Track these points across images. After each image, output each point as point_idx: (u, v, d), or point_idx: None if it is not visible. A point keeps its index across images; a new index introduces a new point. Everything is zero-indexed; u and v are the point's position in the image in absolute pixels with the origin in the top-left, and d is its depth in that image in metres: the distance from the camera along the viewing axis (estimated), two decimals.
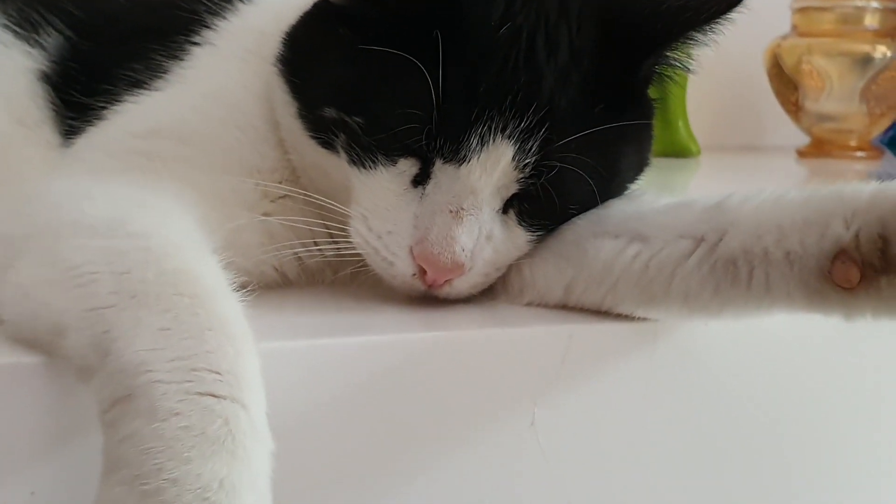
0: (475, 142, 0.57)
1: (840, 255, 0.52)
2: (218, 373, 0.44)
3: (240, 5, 0.73)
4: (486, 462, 0.56)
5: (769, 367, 0.60)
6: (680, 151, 1.67)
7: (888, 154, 1.80)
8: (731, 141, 1.95)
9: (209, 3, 0.73)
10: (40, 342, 0.49)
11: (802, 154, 1.81)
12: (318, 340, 0.55)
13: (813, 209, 0.53)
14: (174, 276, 0.48)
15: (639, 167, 0.66)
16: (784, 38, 1.77)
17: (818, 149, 1.80)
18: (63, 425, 0.49)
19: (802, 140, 1.84)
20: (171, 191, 0.58)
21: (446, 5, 0.59)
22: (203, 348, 0.45)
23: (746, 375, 0.60)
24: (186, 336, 0.45)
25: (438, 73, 0.56)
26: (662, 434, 0.58)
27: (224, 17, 0.72)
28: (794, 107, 1.78)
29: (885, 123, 1.72)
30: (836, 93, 1.72)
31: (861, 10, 1.71)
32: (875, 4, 1.70)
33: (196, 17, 0.71)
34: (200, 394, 0.44)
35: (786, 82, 1.77)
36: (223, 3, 0.73)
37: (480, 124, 0.57)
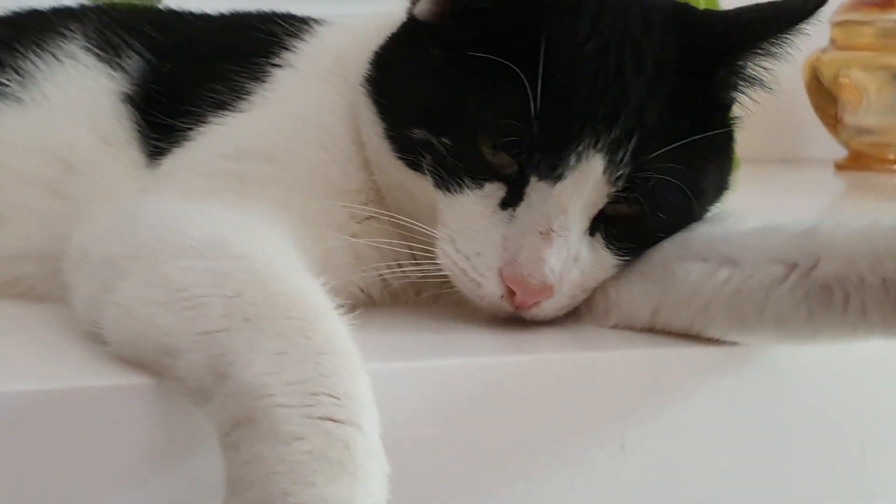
0: (573, 159, 0.58)
1: None
2: (336, 397, 0.45)
3: (316, 26, 0.75)
4: (576, 484, 0.57)
5: (859, 392, 0.61)
6: None
7: None
8: (771, 153, 1.95)
9: (286, 25, 0.74)
10: (148, 363, 0.50)
11: (840, 167, 1.82)
12: (412, 362, 0.56)
13: None
14: (283, 299, 0.49)
15: (720, 188, 0.67)
16: (823, 51, 1.77)
17: (856, 162, 1.80)
18: (173, 446, 0.50)
19: (840, 153, 1.84)
20: (265, 212, 0.59)
21: (535, 23, 0.60)
22: (319, 372, 0.46)
23: (835, 399, 0.60)
24: (302, 360, 0.46)
25: (537, 86, 0.57)
26: (750, 458, 0.59)
27: (302, 39, 0.73)
28: (832, 120, 1.79)
29: None
30: (874, 106, 1.72)
31: None
32: None
33: (274, 39, 0.72)
34: (321, 418, 0.45)
35: (824, 95, 1.77)
36: (300, 25, 0.74)
37: (579, 140, 0.58)
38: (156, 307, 0.51)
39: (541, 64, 0.57)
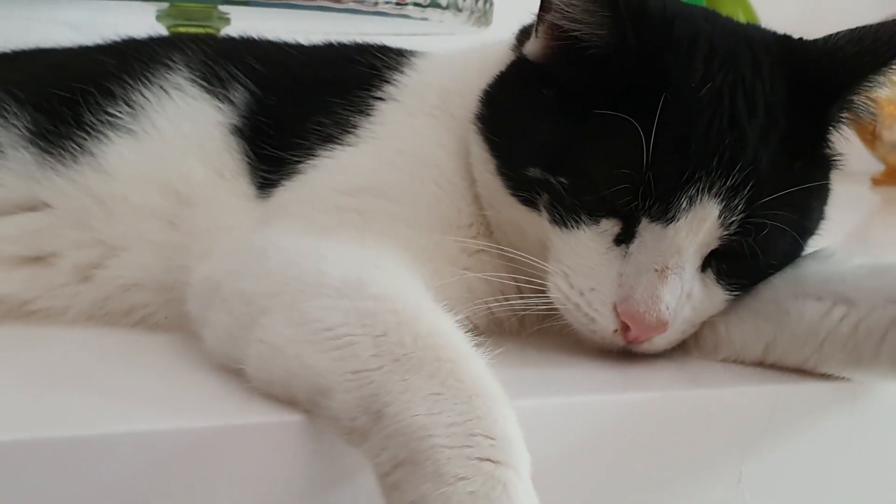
0: (685, 202, 0.59)
1: None
2: (493, 438, 0.47)
3: (415, 60, 0.76)
4: None
5: None
6: None
7: None
8: None
9: (386, 58, 0.76)
10: (298, 401, 0.52)
11: (877, 182, 1.84)
12: (530, 400, 0.57)
13: None
14: (430, 340, 0.51)
15: (819, 222, 0.68)
16: None
17: (893, 177, 1.82)
18: (323, 483, 0.51)
19: (877, 167, 1.86)
20: (390, 250, 0.61)
21: (649, 71, 0.61)
22: (475, 413, 0.48)
23: None
24: (458, 402, 0.48)
25: (651, 134, 0.59)
26: (864, 493, 0.61)
27: (402, 72, 0.74)
28: (870, 135, 1.80)
29: None
30: None
31: None
32: None
33: (375, 72, 0.74)
34: (480, 459, 0.46)
35: None
36: (398, 58, 0.76)
37: (690, 185, 0.59)
38: (304, 346, 0.52)
39: (657, 116, 0.58)
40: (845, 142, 1.91)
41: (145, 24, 1.16)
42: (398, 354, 0.50)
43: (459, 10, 1.03)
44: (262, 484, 0.50)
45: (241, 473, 0.50)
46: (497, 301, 0.67)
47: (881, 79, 0.65)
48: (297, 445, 0.51)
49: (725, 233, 0.61)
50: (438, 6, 1.00)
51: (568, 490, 0.57)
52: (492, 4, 1.09)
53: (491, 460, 0.46)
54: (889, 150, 1.81)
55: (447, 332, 0.52)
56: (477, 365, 0.51)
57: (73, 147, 0.70)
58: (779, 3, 1.79)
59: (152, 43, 0.81)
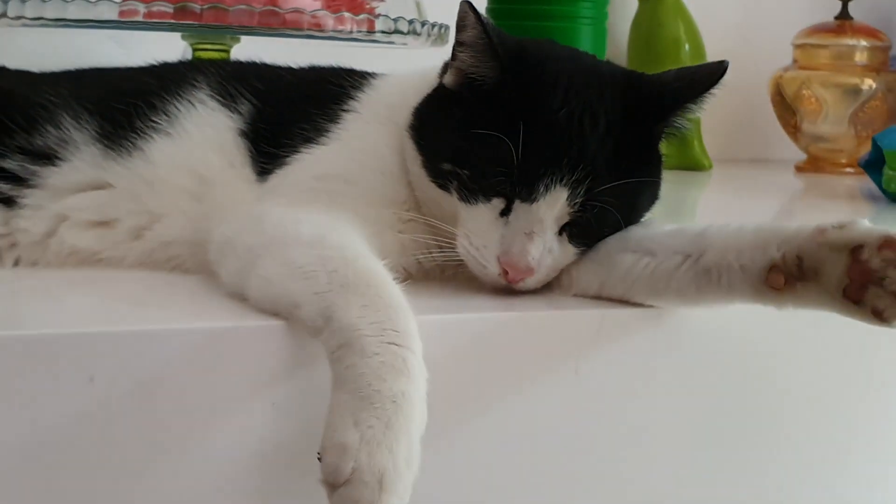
0: (542, 188, 0.84)
1: (773, 267, 0.77)
2: (398, 331, 0.69)
3: (373, 81, 1.01)
4: (544, 400, 0.85)
5: (748, 349, 0.89)
6: (694, 165, 1.95)
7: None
8: (740, 156, 2.21)
9: (352, 79, 1.01)
10: (280, 312, 0.77)
11: (799, 169, 2.07)
12: (436, 315, 0.80)
13: (760, 238, 0.80)
14: (364, 274, 0.75)
15: (651, 202, 0.93)
16: (786, 70, 2.03)
17: (813, 165, 2.05)
18: (296, 363, 0.77)
19: (800, 156, 2.10)
20: (345, 217, 0.85)
21: (524, 97, 0.87)
22: (387, 316, 0.70)
23: (718, 347, 0.89)
24: (377, 309, 0.71)
25: (519, 144, 0.84)
26: (664, 384, 0.88)
27: (363, 91, 0.99)
28: (793, 129, 2.04)
29: (869, 146, 1.99)
30: (829, 118, 1.97)
31: (852, 48, 1.98)
32: (864, 43, 1.97)
33: (343, 91, 0.99)
34: (389, 342, 0.68)
35: (786, 107, 2.02)
36: (361, 80, 1.01)
37: (546, 177, 0.84)
38: (285, 278, 0.77)
39: (521, 132, 0.83)
40: (773, 133, 2.17)
41: (172, 39, 1.40)
42: (343, 283, 0.73)
43: (418, 35, 1.29)
44: (256, 367, 0.76)
45: (239, 361, 0.75)
46: (423, 255, 0.89)
47: (695, 106, 0.89)
48: (280, 340, 0.75)
49: (572, 210, 0.85)
50: (401, 33, 1.27)
51: (456, 377, 0.78)
52: (447, 28, 1.34)
53: (396, 344, 0.69)
54: (810, 141, 2.04)
55: (376, 270, 0.77)
56: (393, 289, 0.75)
57: (128, 144, 0.96)
58: (716, 13, 2.03)
59: (181, 67, 1.08)
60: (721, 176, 1.97)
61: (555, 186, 0.85)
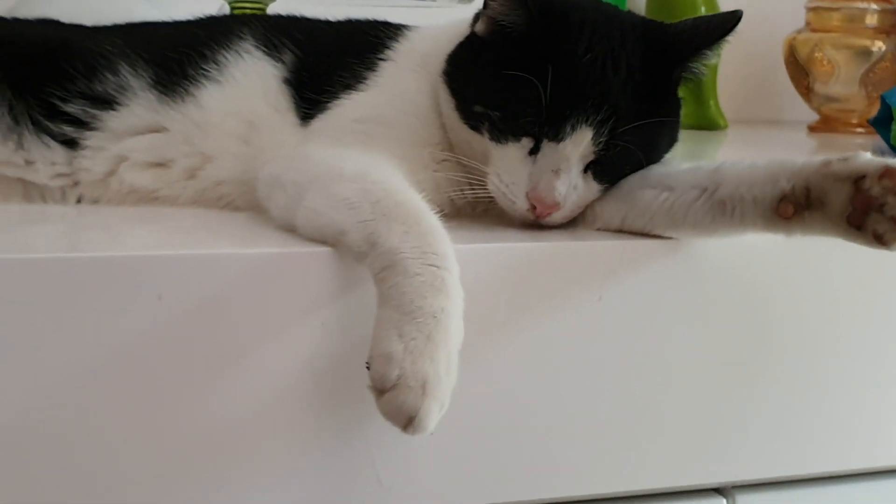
0: (568, 129, 0.91)
1: (783, 198, 0.82)
2: (437, 254, 0.75)
3: (407, 32, 1.08)
4: (569, 324, 0.93)
5: (759, 277, 0.94)
6: (710, 125, 1.99)
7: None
8: (754, 116, 2.25)
9: (387, 31, 1.08)
10: (327, 240, 0.83)
11: (812, 129, 2.10)
12: (470, 245, 0.85)
13: (770, 171, 0.86)
14: (405, 204, 0.81)
15: (670, 144, 0.99)
16: (799, 32, 2.06)
17: (825, 125, 2.08)
18: (342, 287, 0.84)
19: (812, 117, 2.14)
20: (383, 156, 0.92)
21: (551, 43, 0.93)
22: (426, 241, 0.76)
23: (732, 274, 0.96)
24: (417, 235, 0.76)
25: (547, 86, 0.91)
26: (681, 315, 0.94)
27: (398, 41, 1.06)
28: (805, 90, 2.08)
29: (879, 106, 2.03)
30: (841, 79, 1.99)
31: (863, 11, 1.99)
32: (875, 6, 2.00)
33: (379, 41, 1.06)
34: (429, 264, 0.74)
35: (799, 69, 2.05)
36: (396, 31, 1.09)
37: (572, 118, 0.90)
38: (331, 209, 0.83)
39: (549, 74, 0.89)
40: (787, 94, 2.17)
41: None
42: (385, 212, 0.78)
43: None
44: (306, 290, 0.83)
45: (291, 284, 0.81)
46: (455, 192, 0.95)
47: (710, 52, 0.95)
48: (327, 265, 0.81)
49: (596, 149, 0.92)
50: None
51: (480, 307, 0.81)
52: None
53: (436, 266, 0.74)
54: (822, 101, 2.06)
55: (415, 200, 0.83)
56: (431, 217, 0.81)
57: (181, 91, 1.03)
58: None
59: (227, 20, 1.16)
60: (736, 135, 2.02)
61: (580, 127, 0.91)
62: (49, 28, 1.13)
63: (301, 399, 0.85)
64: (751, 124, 2.20)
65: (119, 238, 0.93)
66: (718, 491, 1.01)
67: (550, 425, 0.92)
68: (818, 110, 2.10)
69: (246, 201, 1.01)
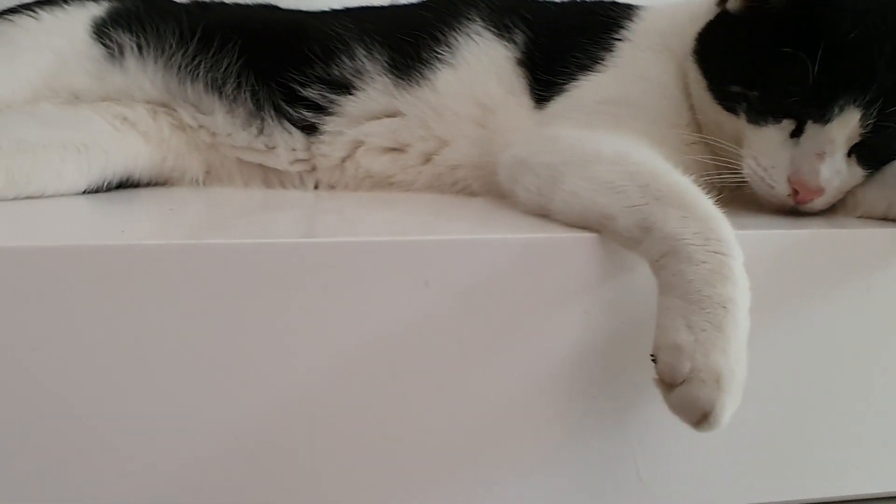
0: (836, 109, 0.87)
1: None
2: (720, 241, 0.72)
3: (639, 12, 1.06)
4: (830, 318, 0.88)
5: None
6: None
7: None
8: None
9: (619, 11, 1.06)
10: (588, 225, 0.81)
11: None
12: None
13: None
14: (676, 187, 0.78)
15: None
16: None
17: None
18: (605, 274, 0.81)
19: None
20: (634, 138, 0.90)
21: (814, 19, 0.89)
22: (708, 226, 0.73)
23: None
24: (698, 220, 0.74)
25: (815, 64, 0.86)
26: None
27: (632, 21, 1.04)
28: None
29: None
30: None
31: None
32: None
33: (613, 21, 1.04)
34: (714, 252, 0.72)
35: None
36: (628, 11, 1.06)
37: (841, 98, 0.86)
38: (592, 192, 0.81)
39: (819, 52, 0.85)
40: None
41: None
42: (657, 196, 0.76)
43: None
44: (568, 276, 0.80)
45: (553, 271, 0.80)
46: (703, 176, 0.88)
47: None
48: (590, 251, 0.80)
49: (863, 131, 0.88)
50: None
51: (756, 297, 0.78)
52: None
53: (721, 253, 0.72)
54: None
55: (686, 183, 0.80)
56: (706, 200, 0.78)
57: (416, 74, 1.03)
58: None
59: (451, 2, 1.14)
60: None
61: (849, 107, 0.87)
62: (280, 12, 1.13)
63: (562, 389, 0.83)
64: None
65: (387, 223, 0.91)
66: None
67: (820, 421, 0.88)
68: None
69: (481, 185, 1.00)
